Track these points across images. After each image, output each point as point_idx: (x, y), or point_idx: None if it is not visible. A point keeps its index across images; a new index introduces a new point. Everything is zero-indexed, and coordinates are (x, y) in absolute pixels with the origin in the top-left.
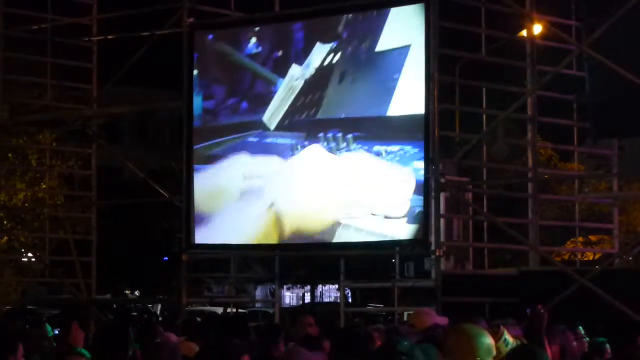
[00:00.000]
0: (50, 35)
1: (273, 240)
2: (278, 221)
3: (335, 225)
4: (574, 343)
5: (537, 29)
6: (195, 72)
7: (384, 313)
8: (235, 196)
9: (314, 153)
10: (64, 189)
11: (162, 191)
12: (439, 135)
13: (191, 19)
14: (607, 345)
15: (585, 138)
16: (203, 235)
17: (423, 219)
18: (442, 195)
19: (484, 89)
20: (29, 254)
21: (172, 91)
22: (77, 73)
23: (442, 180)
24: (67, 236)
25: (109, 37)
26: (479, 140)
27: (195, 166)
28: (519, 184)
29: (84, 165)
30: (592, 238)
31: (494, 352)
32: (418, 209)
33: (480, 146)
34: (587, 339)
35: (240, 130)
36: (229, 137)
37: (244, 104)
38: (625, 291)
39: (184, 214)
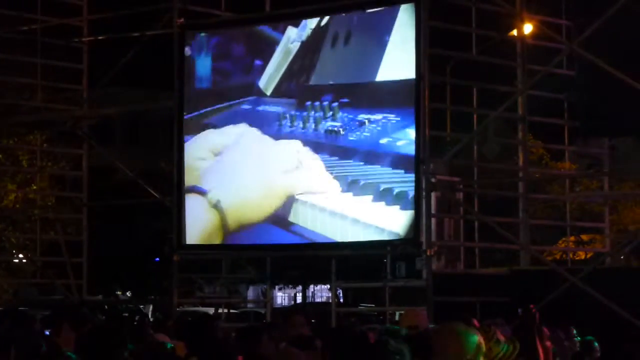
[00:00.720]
0: (41, 36)
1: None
2: (223, 217)
3: (289, 200)
4: (565, 343)
5: (528, 28)
6: (202, 34)
7: (375, 313)
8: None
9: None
10: (55, 190)
11: (152, 192)
12: (429, 134)
13: (181, 20)
14: (596, 344)
15: (576, 137)
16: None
17: (414, 218)
18: (433, 195)
19: (474, 89)
20: (20, 255)
21: (163, 92)
22: (67, 74)
23: (433, 180)
24: (58, 237)
25: (100, 38)
26: (470, 140)
27: (186, 137)
28: (510, 184)
29: (75, 166)
30: (584, 237)
31: (484, 349)
32: (385, 186)
33: (471, 146)
34: (579, 338)
35: (236, 96)
36: (223, 105)
37: (257, 62)
38: (617, 290)
39: (175, 214)
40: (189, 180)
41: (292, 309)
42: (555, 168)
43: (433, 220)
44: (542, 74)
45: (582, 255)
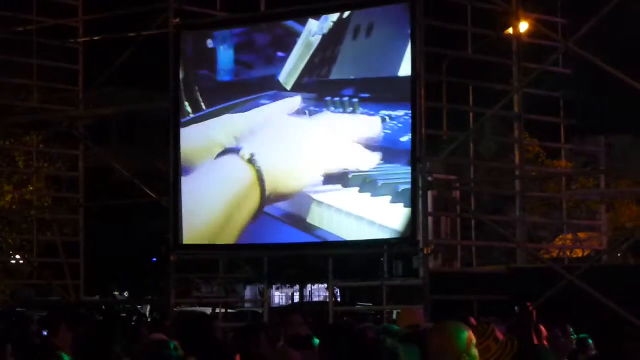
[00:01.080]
0: (36, 36)
1: (256, 198)
2: (259, 177)
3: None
4: (562, 339)
5: (524, 26)
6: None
7: (372, 312)
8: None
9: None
10: (51, 190)
11: (149, 192)
12: (426, 133)
13: (177, 20)
14: (590, 341)
15: (572, 135)
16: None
17: (411, 217)
18: (429, 194)
19: (470, 87)
20: (17, 256)
21: (159, 92)
22: (63, 74)
23: (430, 178)
24: (55, 238)
25: (95, 38)
26: (466, 138)
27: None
28: (506, 182)
29: (71, 167)
30: (581, 235)
31: (475, 341)
32: (404, 186)
33: (468, 144)
34: (575, 336)
35: (257, 89)
36: (241, 100)
37: (279, 53)
38: (613, 288)
39: (172, 214)
40: (214, 151)
41: (290, 308)
42: (551, 166)
43: (430, 219)
44: (538, 72)
45: (579, 253)
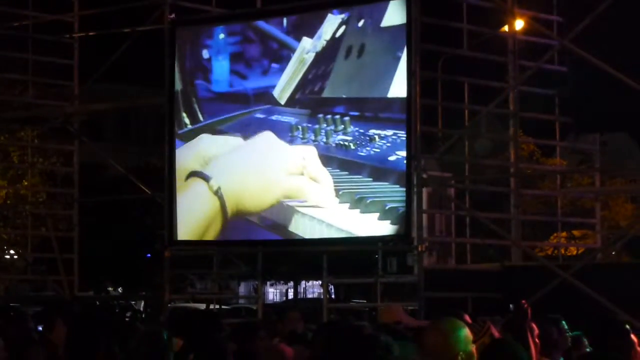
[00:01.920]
0: (32, 32)
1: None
2: (222, 204)
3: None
4: (555, 336)
5: (519, 24)
6: (221, 35)
7: (367, 309)
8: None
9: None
10: (46, 186)
11: (143, 188)
12: (421, 130)
13: (172, 15)
14: (584, 339)
15: (567, 133)
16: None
17: (405, 214)
18: (424, 191)
19: (466, 84)
20: (11, 252)
21: (155, 88)
22: (58, 70)
23: (424, 175)
24: (50, 233)
25: (91, 34)
26: (461, 136)
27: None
28: (501, 179)
29: (66, 163)
30: (576, 233)
31: (471, 338)
32: (392, 204)
33: (463, 141)
34: (570, 334)
35: (251, 101)
36: (237, 113)
37: (274, 65)
38: (608, 286)
39: (166, 210)
40: (194, 166)
41: (289, 305)
42: (546, 164)
43: (424, 216)
44: (534, 70)
45: (573, 251)
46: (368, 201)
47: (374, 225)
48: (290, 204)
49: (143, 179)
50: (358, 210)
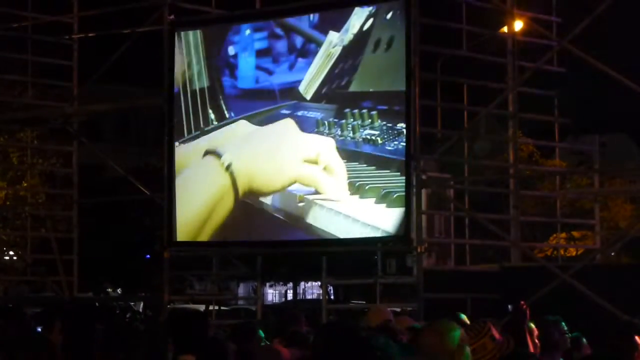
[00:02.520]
0: (31, 33)
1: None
2: (234, 181)
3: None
4: (556, 337)
5: (518, 25)
6: (247, 31)
7: (366, 310)
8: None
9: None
10: (45, 187)
11: (143, 189)
12: (420, 131)
13: (172, 16)
14: (584, 340)
15: (566, 134)
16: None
17: (404, 215)
18: (423, 192)
19: (465, 86)
20: (11, 253)
21: (154, 88)
22: (58, 71)
23: (424, 176)
24: (49, 234)
25: (90, 34)
26: (461, 137)
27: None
28: (500, 180)
29: (65, 163)
30: (576, 234)
31: (466, 339)
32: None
33: (462, 143)
34: (570, 335)
35: (277, 98)
36: (263, 110)
37: (301, 60)
38: (607, 287)
39: (166, 211)
40: (213, 145)
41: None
42: (545, 165)
43: (423, 217)
44: (533, 71)
45: (573, 252)
46: (394, 196)
47: (401, 220)
48: (308, 196)
49: (142, 179)
50: (384, 205)
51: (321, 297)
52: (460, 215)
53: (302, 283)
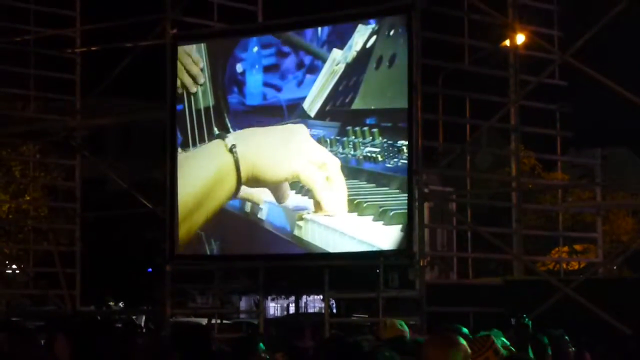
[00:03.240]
0: (34, 46)
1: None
2: (237, 162)
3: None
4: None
5: (520, 39)
6: (255, 48)
7: (368, 323)
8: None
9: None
10: (47, 200)
11: (145, 202)
12: (422, 145)
13: (174, 30)
14: (587, 354)
15: (568, 148)
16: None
17: (407, 228)
18: (425, 205)
19: (467, 99)
20: (13, 266)
21: (156, 102)
22: (60, 85)
23: (426, 190)
24: (51, 248)
25: (92, 48)
26: (463, 150)
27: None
28: (502, 194)
29: (68, 177)
30: (578, 247)
31: (470, 353)
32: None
33: (464, 156)
34: (573, 348)
35: (283, 115)
36: (267, 127)
37: (309, 76)
38: (609, 300)
39: (168, 224)
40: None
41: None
42: (547, 178)
43: (426, 231)
44: (535, 85)
45: (575, 265)
46: (391, 214)
47: (397, 237)
48: (307, 215)
49: (144, 193)
50: (382, 222)
51: (323, 311)
52: (462, 229)
53: (304, 296)
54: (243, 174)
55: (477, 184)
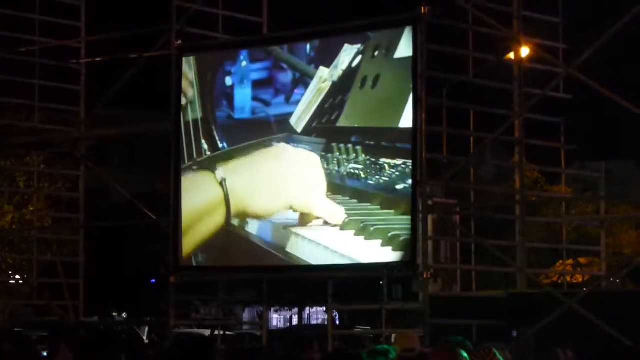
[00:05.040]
0: (38, 57)
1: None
2: (226, 195)
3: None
4: None
5: (525, 51)
6: (244, 63)
7: (371, 335)
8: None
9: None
10: (51, 211)
11: (149, 213)
12: (426, 157)
13: (179, 42)
14: None
15: (572, 161)
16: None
17: (410, 241)
18: (429, 218)
19: (471, 111)
20: (17, 276)
21: (161, 113)
22: (65, 95)
23: (430, 202)
24: (55, 258)
25: (97, 59)
26: (467, 163)
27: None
28: (506, 206)
29: (72, 188)
30: (582, 260)
31: None
32: (395, 232)
33: (468, 168)
34: None
35: (271, 130)
36: (255, 142)
37: (297, 91)
38: (613, 314)
39: (171, 235)
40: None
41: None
42: (551, 191)
43: (430, 243)
44: (539, 97)
45: (579, 278)
46: (372, 229)
47: (377, 252)
48: (296, 230)
49: (148, 204)
50: (362, 237)
51: (326, 322)
52: (466, 241)
53: (307, 308)
54: (233, 209)
55: (480, 197)
